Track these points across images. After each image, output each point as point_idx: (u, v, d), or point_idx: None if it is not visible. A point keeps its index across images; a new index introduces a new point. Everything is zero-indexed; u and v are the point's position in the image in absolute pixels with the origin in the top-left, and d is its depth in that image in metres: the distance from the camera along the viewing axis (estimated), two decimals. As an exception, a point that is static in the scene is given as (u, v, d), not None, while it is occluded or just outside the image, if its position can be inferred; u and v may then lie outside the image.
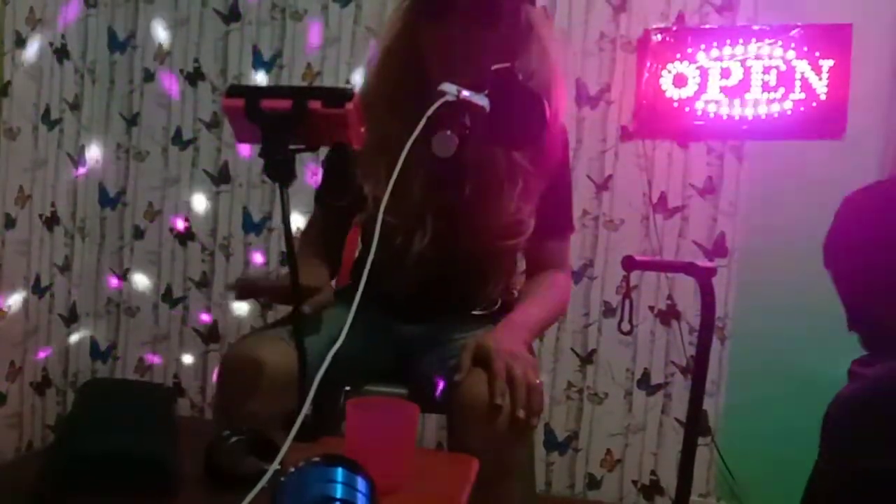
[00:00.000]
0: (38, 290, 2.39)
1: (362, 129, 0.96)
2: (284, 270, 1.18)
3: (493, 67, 1.09)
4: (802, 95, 2.09)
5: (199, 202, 2.60)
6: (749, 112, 2.13)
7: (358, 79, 2.44)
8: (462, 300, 1.31)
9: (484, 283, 1.31)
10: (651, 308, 2.25)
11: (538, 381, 1.05)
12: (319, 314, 1.14)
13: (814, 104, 2.09)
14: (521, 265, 1.40)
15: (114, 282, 2.68)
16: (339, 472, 0.67)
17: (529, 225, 1.24)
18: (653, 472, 2.25)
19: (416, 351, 1.30)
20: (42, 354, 2.42)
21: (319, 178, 1.50)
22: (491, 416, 1.01)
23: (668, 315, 2.24)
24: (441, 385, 1.15)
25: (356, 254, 1.55)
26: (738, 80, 2.13)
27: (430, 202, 1.23)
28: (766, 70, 2.11)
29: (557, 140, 1.26)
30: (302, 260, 1.24)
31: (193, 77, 2.59)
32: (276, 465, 0.68)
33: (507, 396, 1.02)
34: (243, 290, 1.19)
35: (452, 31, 1.15)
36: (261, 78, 2.54)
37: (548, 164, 1.25)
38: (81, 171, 2.55)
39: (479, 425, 1.02)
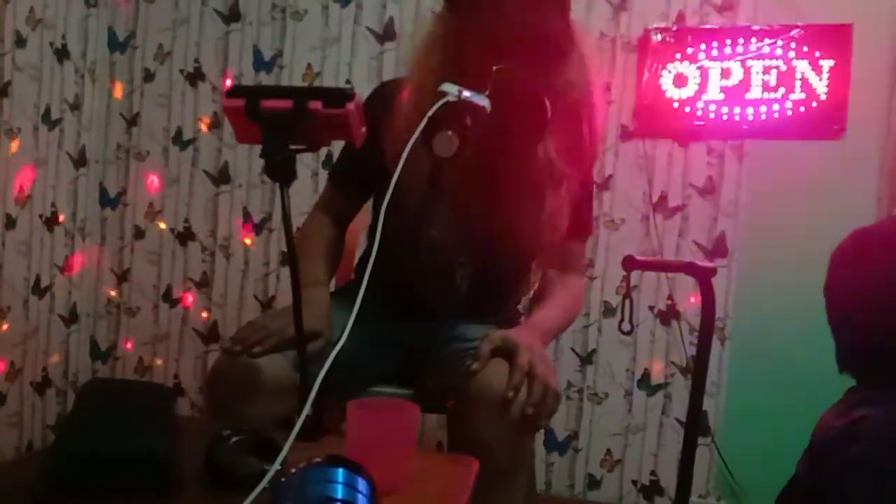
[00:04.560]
0: (37, 290, 2.39)
1: (363, 129, 0.96)
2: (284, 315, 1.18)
3: (495, 68, 1.09)
4: (802, 95, 2.09)
5: (199, 202, 2.61)
6: (749, 112, 2.13)
7: (357, 78, 2.44)
8: (474, 296, 1.32)
9: (496, 276, 1.32)
10: (651, 308, 2.25)
11: (557, 388, 1.06)
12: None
13: (814, 104, 2.08)
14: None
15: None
16: (340, 473, 0.67)
17: (565, 222, 1.26)
18: (653, 473, 2.25)
19: (425, 350, 1.30)
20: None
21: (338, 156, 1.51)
22: (503, 408, 1.02)
23: (668, 315, 2.24)
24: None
25: (361, 249, 1.55)
26: (738, 80, 2.13)
27: (442, 200, 1.24)
28: (767, 70, 2.11)
29: (596, 147, 1.29)
30: (305, 260, 1.24)
31: (193, 77, 2.59)
32: (277, 466, 0.68)
33: (523, 391, 1.03)
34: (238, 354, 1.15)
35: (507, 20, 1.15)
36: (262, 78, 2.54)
37: (585, 168, 1.28)
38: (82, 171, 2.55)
39: (493, 415, 1.03)
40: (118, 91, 2.64)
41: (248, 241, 2.55)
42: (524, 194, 1.23)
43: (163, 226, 2.63)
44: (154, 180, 2.64)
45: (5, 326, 2.27)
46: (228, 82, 2.55)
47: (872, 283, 0.97)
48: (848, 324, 1.01)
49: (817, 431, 0.99)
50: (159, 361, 2.65)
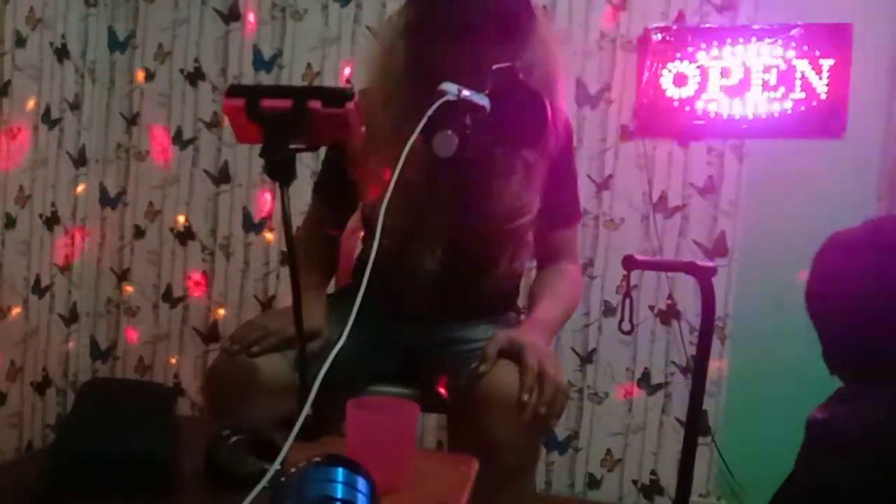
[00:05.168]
0: (38, 290, 2.39)
1: (363, 129, 0.96)
2: (284, 315, 1.18)
3: (495, 67, 1.09)
4: (802, 95, 2.09)
5: (199, 201, 2.61)
6: (749, 111, 2.13)
7: (357, 77, 2.43)
8: (470, 296, 1.31)
9: (490, 274, 1.31)
10: (651, 307, 2.25)
11: (566, 386, 1.06)
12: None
13: (814, 103, 2.08)
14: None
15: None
16: (340, 472, 0.67)
17: (532, 208, 1.24)
18: (653, 472, 2.25)
19: (424, 351, 1.30)
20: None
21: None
22: (519, 410, 1.02)
23: (669, 314, 2.24)
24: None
25: (357, 252, 1.55)
26: (738, 80, 2.13)
27: (432, 199, 1.23)
28: (767, 69, 2.11)
29: (560, 129, 1.26)
30: (300, 266, 1.24)
31: (193, 77, 2.59)
32: (276, 465, 0.68)
33: (535, 392, 1.03)
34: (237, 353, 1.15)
35: (452, 36, 1.15)
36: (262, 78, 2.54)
37: (549, 150, 1.24)
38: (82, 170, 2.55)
39: (509, 416, 1.03)
40: (140, 77, 2.64)
41: (269, 237, 2.55)
42: (504, 189, 1.21)
43: (182, 218, 2.62)
44: (153, 180, 2.64)
45: (13, 313, 2.27)
46: (251, 17, 2.52)
47: (854, 286, 0.97)
48: (833, 327, 1.01)
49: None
50: (171, 360, 2.65)
